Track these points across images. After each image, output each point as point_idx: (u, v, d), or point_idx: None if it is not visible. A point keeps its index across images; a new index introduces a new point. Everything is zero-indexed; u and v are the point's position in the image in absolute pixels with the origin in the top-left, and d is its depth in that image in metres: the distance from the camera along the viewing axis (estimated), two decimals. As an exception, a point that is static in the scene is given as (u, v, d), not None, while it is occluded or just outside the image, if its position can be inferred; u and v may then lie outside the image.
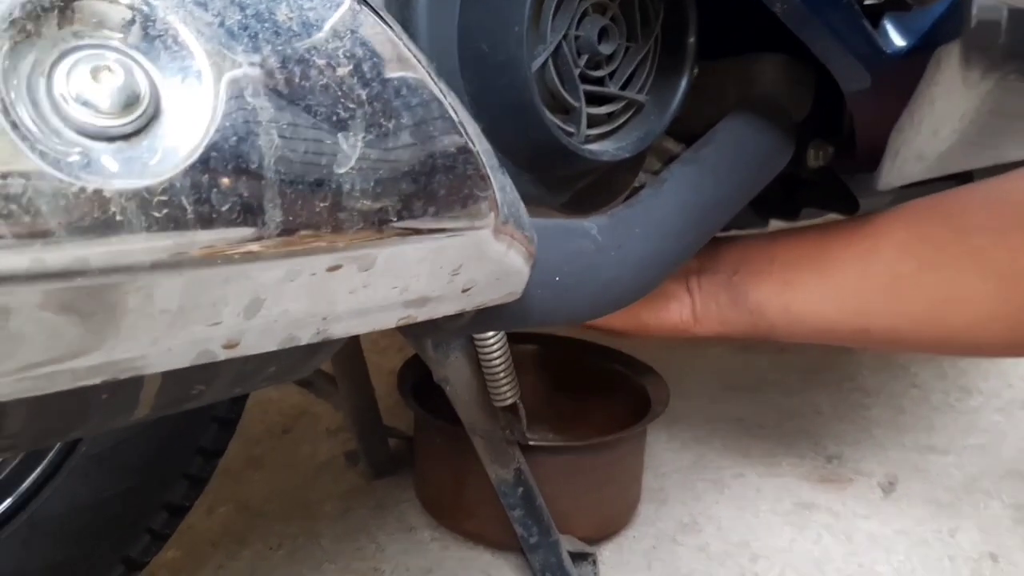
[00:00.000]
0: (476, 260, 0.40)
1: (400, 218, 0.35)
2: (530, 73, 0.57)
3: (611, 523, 0.92)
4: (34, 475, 0.63)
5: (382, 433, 1.06)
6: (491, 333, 0.72)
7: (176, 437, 0.68)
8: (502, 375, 0.74)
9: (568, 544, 0.84)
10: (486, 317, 0.54)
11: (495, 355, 0.73)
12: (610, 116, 0.65)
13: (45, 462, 0.64)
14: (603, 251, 0.60)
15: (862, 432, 1.18)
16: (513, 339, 1.04)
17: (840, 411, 1.24)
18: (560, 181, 0.66)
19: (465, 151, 0.37)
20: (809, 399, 1.27)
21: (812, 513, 1.00)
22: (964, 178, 0.97)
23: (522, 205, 0.44)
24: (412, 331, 0.53)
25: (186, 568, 0.89)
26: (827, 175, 0.88)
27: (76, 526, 0.64)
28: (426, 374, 0.85)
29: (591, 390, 1.03)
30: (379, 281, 0.37)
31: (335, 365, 1.00)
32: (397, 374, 0.94)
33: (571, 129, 0.62)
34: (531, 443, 0.81)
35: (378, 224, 0.34)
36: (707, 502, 1.02)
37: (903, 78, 0.67)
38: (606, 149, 0.63)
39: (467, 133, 0.37)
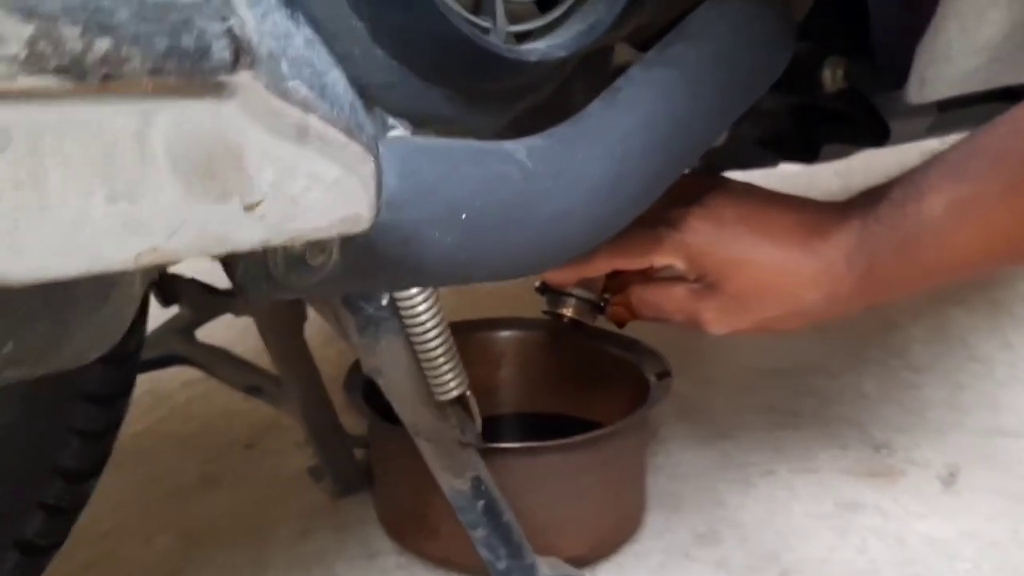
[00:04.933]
0: (237, 151, 0.25)
1: (32, 53, 0.20)
2: (412, -63, 0.42)
3: (608, 538, 0.76)
4: None
5: (346, 444, 0.91)
6: (420, 306, 0.56)
7: (26, 453, 0.54)
8: (442, 360, 0.59)
9: (549, 568, 0.68)
10: (360, 268, 0.39)
11: (428, 332, 0.57)
12: (541, 6, 0.49)
13: None
14: (534, 179, 0.45)
15: (915, 415, 1.01)
16: (487, 326, 0.90)
17: (888, 392, 1.06)
18: (487, 99, 0.51)
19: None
20: (852, 381, 1.09)
21: (856, 514, 0.83)
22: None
23: (336, 72, 0.29)
24: (247, 293, 0.38)
25: (103, 611, 0.75)
26: (850, 99, 0.71)
27: None
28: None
29: (585, 380, 0.87)
30: (45, 173, 0.22)
31: (279, 365, 0.86)
32: (346, 373, 0.80)
33: (486, 23, 0.47)
34: (490, 445, 0.65)
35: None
36: (730, 507, 0.85)
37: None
38: (535, 48, 0.48)
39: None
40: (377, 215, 0.33)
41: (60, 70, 0.21)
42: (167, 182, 0.25)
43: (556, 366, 0.88)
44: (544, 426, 0.91)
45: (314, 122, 0.27)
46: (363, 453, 0.93)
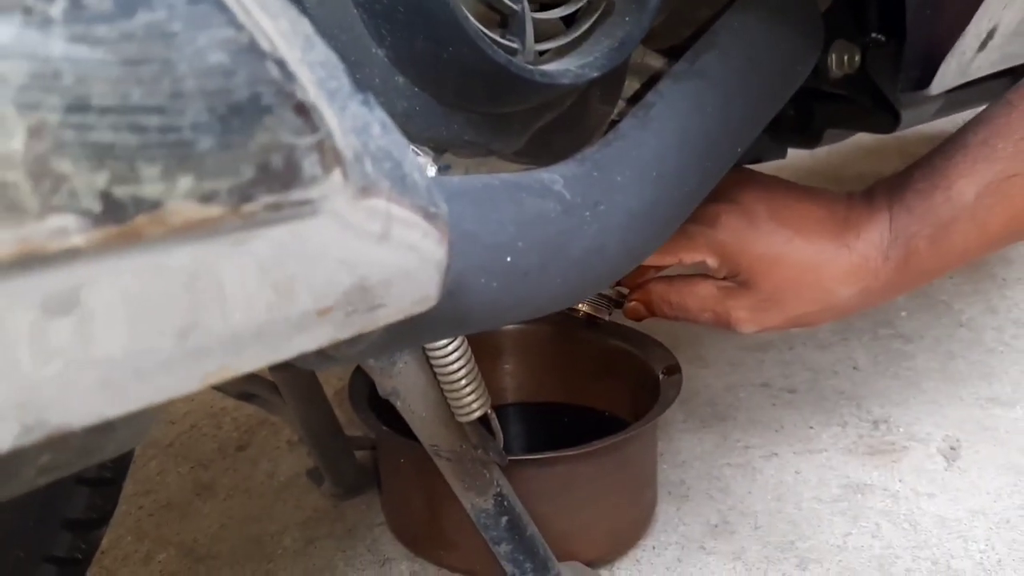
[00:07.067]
0: (320, 266, 0.23)
1: (108, 204, 0.18)
2: (440, -38, 0.39)
3: (624, 537, 0.76)
4: None
5: (345, 446, 0.89)
6: (441, 332, 0.54)
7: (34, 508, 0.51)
8: (464, 382, 0.57)
9: (572, 574, 0.67)
10: (406, 330, 0.36)
11: (451, 359, 0.55)
12: (567, 22, 0.47)
13: None
14: (573, 212, 0.43)
15: (909, 387, 1.01)
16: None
17: (880, 364, 1.07)
18: (509, 120, 0.48)
19: (249, 55, 0.19)
20: (843, 353, 1.10)
21: (865, 497, 0.83)
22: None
23: (411, 155, 0.26)
24: (292, 363, 0.36)
25: (112, 641, 0.73)
26: (855, 85, 0.70)
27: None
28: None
29: (586, 373, 0.86)
30: (114, 323, 0.20)
31: (273, 369, 0.83)
32: (348, 383, 0.77)
33: (513, 44, 0.44)
34: (514, 459, 0.64)
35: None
36: (738, 493, 0.85)
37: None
38: (566, 69, 0.45)
39: (251, 19, 0.19)
40: (443, 290, 0.30)
41: (140, 216, 0.18)
42: (244, 308, 0.22)
43: (559, 357, 0.87)
44: (547, 416, 0.90)
45: (397, 221, 0.24)
46: (363, 455, 0.91)
